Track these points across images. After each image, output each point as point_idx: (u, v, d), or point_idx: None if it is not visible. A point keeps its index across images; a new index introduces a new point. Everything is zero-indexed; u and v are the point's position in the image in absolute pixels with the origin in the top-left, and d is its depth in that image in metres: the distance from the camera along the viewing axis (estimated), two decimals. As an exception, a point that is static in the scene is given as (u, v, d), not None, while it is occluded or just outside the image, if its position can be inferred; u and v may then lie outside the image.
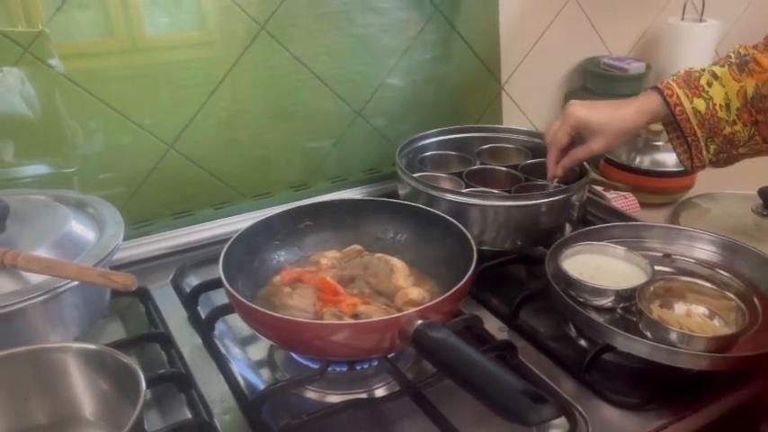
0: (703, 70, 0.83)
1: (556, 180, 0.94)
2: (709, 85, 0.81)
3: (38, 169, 0.91)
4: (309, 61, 1.04)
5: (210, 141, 1.01)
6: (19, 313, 0.64)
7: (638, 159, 1.17)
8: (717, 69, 0.82)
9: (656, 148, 1.17)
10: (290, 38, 1.00)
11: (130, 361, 0.56)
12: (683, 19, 1.39)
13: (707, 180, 1.20)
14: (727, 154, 0.84)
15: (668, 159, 1.16)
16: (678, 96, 0.82)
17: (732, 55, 0.82)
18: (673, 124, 0.85)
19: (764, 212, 1.08)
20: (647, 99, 0.85)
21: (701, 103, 0.81)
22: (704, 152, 0.84)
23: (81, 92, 0.89)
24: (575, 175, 0.96)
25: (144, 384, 0.54)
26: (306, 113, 1.07)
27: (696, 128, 0.82)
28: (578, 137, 0.90)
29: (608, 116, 0.85)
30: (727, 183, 1.19)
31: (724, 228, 1.01)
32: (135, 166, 0.97)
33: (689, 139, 0.83)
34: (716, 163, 0.86)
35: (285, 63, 1.02)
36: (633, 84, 1.27)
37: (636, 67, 1.31)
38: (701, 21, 1.38)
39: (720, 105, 0.81)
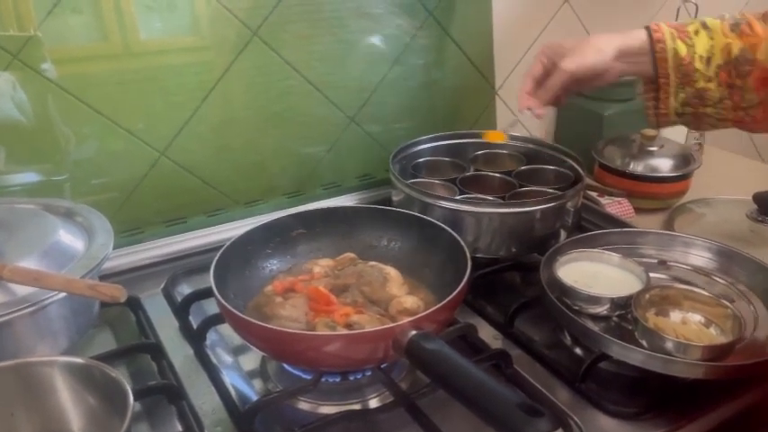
0: (695, 20, 0.80)
1: (527, 110, 0.87)
2: (696, 33, 0.78)
3: (28, 177, 0.90)
4: (302, 67, 1.03)
5: (203, 148, 1.00)
6: (5, 326, 0.63)
7: (632, 165, 1.16)
8: (708, 20, 0.79)
9: (651, 154, 1.17)
10: (282, 43, 1.00)
11: (118, 374, 0.55)
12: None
13: (702, 185, 1.20)
14: (694, 110, 0.81)
15: (663, 165, 1.16)
16: (663, 33, 0.79)
17: (726, 15, 0.79)
18: (649, 84, 0.82)
19: (759, 218, 1.08)
20: (631, 34, 0.81)
21: (682, 47, 0.78)
22: (671, 99, 0.80)
23: (72, 98, 0.88)
24: (558, 104, 0.90)
25: (132, 399, 0.53)
26: (299, 119, 1.06)
27: (671, 70, 0.78)
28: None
29: (592, 39, 0.83)
30: (722, 188, 1.19)
31: (719, 233, 1.01)
32: (126, 174, 0.96)
33: (660, 81, 0.80)
34: (681, 116, 0.82)
35: (278, 69, 1.01)
36: (627, 88, 1.26)
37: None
38: (694, 25, 1.38)
39: (701, 56, 0.77)
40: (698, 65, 0.77)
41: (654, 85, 0.82)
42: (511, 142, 1.10)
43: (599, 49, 0.81)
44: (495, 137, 1.05)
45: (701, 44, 0.78)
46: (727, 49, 0.76)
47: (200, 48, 0.96)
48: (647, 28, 0.81)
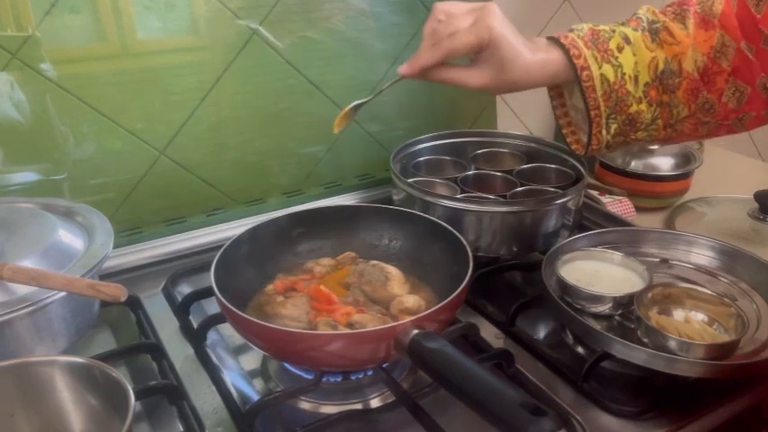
0: (613, 31, 0.69)
1: (398, 78, 0.72)
2: (620, 49, 0.67)
3: (27, 176, 0.89)
4: (302, 66, 1.03)
5: (202, 147, 0.99)
6: (5, 325, 0.63)
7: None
8: (629, 32, 0.68)
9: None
10: (281, 42, 0.99)
11: (119, 374, 0.55)
12: (676, 22, 1.39)
13: (703, 184, 1.20)
14: (625, 138, 0.71)
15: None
16: (586, 59, 0.67)
17: (643, 18, 0.69)
18: (556, 91, 0.73)
19: (761, 216, 1.07)
20: (550, 54, 0.68)
21: (609, 71, 0.66)
22: (604, 132, 0.69)
23: (71, 97, 0.87)
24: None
25: (133, 399, 0.52)
26: (298, 119, 1.06)
27: (601, 100, 0.67)
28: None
29: (517, 56, 0.66)
30: (723, 187, 1.19)
31: (720, 232, 1.01)
32: (125, 173, 0.95)
33: (592, 113, 0.68)
34: (610, 147, 0.72)
35: (277, 68, 1.01)
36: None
37: (612, 23, 1.29)
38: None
39: (630, 77, 0.67)
40: (629, 87, 0.67)
41: (565, 108, 0.73)
42: (511, 141, 1.10)
43: (527, 69, 0.67)
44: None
45: (627, 62, 0.67)
46: (653, 64, 0.68)
47: (198, 47, 0.96)
48: (561, 46, 0.68)
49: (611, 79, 0.67)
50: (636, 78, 0.68)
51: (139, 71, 0.92)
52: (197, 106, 0.96)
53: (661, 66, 0.68)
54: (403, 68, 0.70)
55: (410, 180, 0.95)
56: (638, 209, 1.14)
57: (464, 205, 0.88)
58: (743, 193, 1.12)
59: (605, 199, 1.11)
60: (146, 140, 0.95)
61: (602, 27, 0.69)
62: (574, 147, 0.75)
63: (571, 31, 0.70)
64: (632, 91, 0.68)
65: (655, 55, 0.68)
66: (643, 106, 0.69)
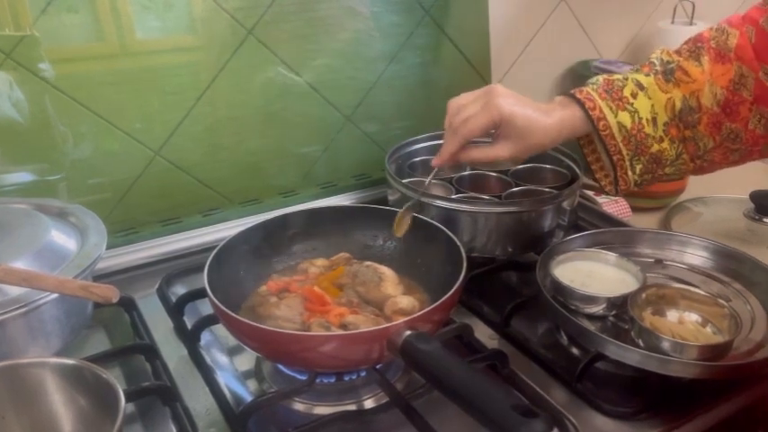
0: (626, 79, 0.74)
1: (437, 169, 0.80)
2: (634, 96, 0.72)
3: (23, 176, 0.89)
4: (298, 66, 1.02)
5: (198, 147, 0.99)
6: (-3, 327, 0.62)
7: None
8: (641, 78, 0.73)
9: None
10: (278, 42, 0.99)
11: (110, 376, 0.55)
12: (673, 22, 1.39)
13: (699, 184, 1.20)
14: (653, 174, 0.76)
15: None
16: (601, 110, 0.72)
17: (656, 62, 0.74)
18: (586, 138, 0.77)
19: (756, 217, 1.07)
20: (566, 111, 0.74)
21: (626, 117, 0.72)
22: (629, 173, 0.75)
23: (68, 98, 0.87)
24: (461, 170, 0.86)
25: (123, 401, 0.52)
26: (294, 119, 1.06)
27: (621, 145, 0.73)
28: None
29: (533, 123, 0.73)
30: (719, 187, 1.19)
31: (716, 232, 1.01)
32: (121, 173, 0.95)
33: (614, 158, 0.74)
34: (640, 185, 0.77)
35: (273, 68, 1.01)
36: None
37: (626, 71, 1.30)
38: (691, 24, 1.38)
39: (647, 120, 0.72)
40: (647, 129, 0.72)
41: (597, 152, 0.77)
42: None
43: (546, 132, 0.73)
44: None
45: (643, 107, 0.72)
46: (670, 104, 0.72)
47: (195, 47, 0.96)
48: (578, 101, 0.73)
49: (629, 125, 0.72)
50: (654, 120, 0.72)
51: (137, 71, 0.92)
52: (193, 106, 0.96)
53: (678, 104, 0.71)
54: (435, 161, 0.79)
55: (405, 180, 0.95)
56: (634, 209, 1.14)
57: (459, 206, 0.88)
58: (739, 194, 1.12)
59: (601, 199, 1.11)
60: (142, 141, 0.94)
61: (615, 77, 0.74)
62: (607, 189, 0.79)
63: (586, 85, 0.75)
64: (651, 132, 0.72)
65: (671, 95, 0.72)
66: (665, 144, 0.73)
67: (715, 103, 0.71)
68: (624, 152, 0.73)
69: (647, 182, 0.77)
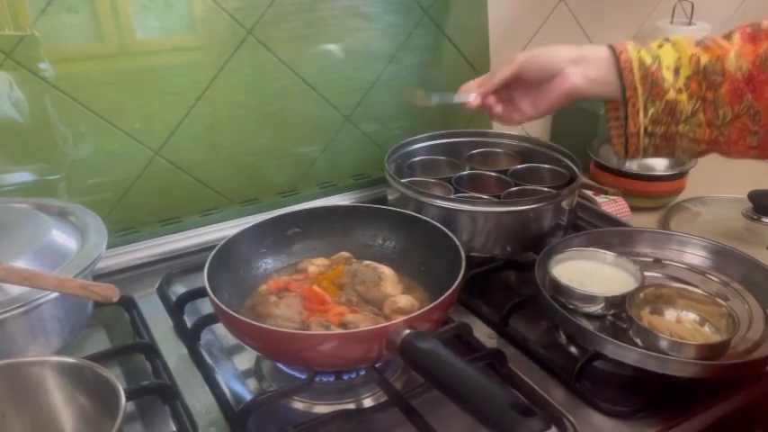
0: (658, 39, 0.76)
1: (472, 104, 0.84)
2: (660, 46, 0.74)
3: (23, 176, 0.89)
4: (297, 66, 1.03)
5: (197, 147, 0.99)
6: (-2, 326, 0.63)
7: (627, 163, 1.16)
8: (672, 36, 0.75)
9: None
10: (277, 42, 0.99)
11: (110, 374, 0.55)
12: (672, 22, 1.39)
13: (697, 184, 1.20)
14: (666, 128, 0.74)
15: (658, 163, 1.16)
16: (626, 47, 0.75)
17: (738, 15, 0.79)
18: (613, 103, 0.77)
19: (755, 216, 1.08)
20: (597, 49, 0.76)
21: (647, 56, 0.73)
22: (641, 114, 0.74)
23: (68, 97, 0.87)
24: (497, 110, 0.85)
25: (123, 399, 0.52)
26: (294, 119, 1.06)
27: (638, 82, 0.73)
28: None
29: (550, 49, 0.78)
30: (718, 186, 1.19)
31: (714, 232, 1.01)
32: (121, 173, 0.95)
33: (627, 94, 0.74)
34: (651, 136, 0.75)
35: (273, 68, 1.01)
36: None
37: None
38: (690, 24, 1.38)
39: (668, 66, 0.73)
40: (665, 74, 0.73)
41: (618, 104, 0.77)
42: (506, 141, 1.10)
43: (554, 48, 0.78)
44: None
45: (667, 55, 0.73)
46: (695, 59, 0.72)
47: (195, 47, 0.96)
48: (610, 46, 0.77)
49: (648, 62, 0.73)
50: (677, 70, 0.73)
51: (137, 71, 0.92)
52: (192, 106, 0.97)
53: (703, 61, 0.72)
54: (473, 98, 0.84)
55: (404, 180, 0.95)
56: (633, 209, 1.14)
57: (458, 205, 0.89)
58: (737, 193, 1.13)
59: (600, 199, 1.11)
60: (142, 140, 0.95)
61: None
62: (617, 148, 0.79)
63: None
64: (670, 79, 0.72)
65: (696, 53, 0.72)
66: (683, 97, 0.73)
67: (739, 71, 0.71)
68: (639, 90, 0.73)
69: (658, 137, 0.76)
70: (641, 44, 0.75)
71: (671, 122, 0.74)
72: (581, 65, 0.76)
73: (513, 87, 0.82)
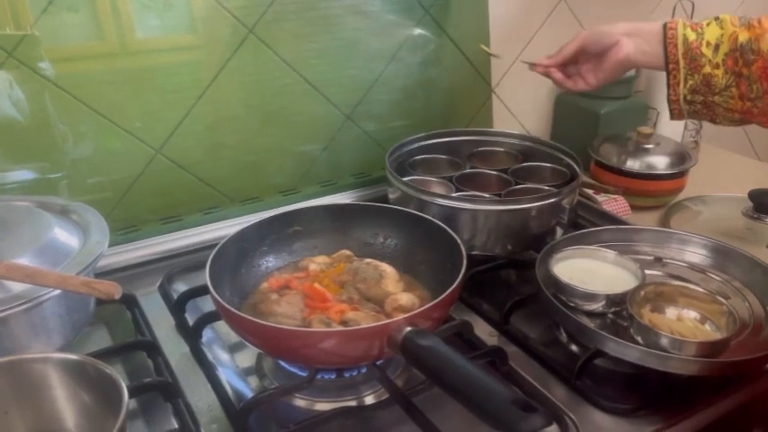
0: (710, 17, 0.84)
1: (538, 67, 0.96)
2: (708, 24, 0.82)
3: (24, 175, 0.89)
4: (298, 65, 1.03)
5: (199, 146, 1.00)
6: (0, 323, 0.62)
7: (628, 162, 1.16)
8: (722, 15, 0.83)
9: (647, 151, 1.17)
10: (278, 41, 1.00)
11: (113, 371, 0.55)
12: (672, 21, 1.39)
13: (698, 183, 1.20)
14: (704, 98, 0.83)
15: (659, 162, 1.16)
16: (676, 24, 0.83)
17: (738, 14, 0.84)
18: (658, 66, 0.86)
19: (755, 215, 1.08)
20: (651, 23, 0.85)
21: (691, 34, 0.81)
22: (681, 85, 0.83)
23: (68, 96, 0.88)
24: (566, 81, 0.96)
25: (126, 396, 0.53)
26: (295, 117, 1.06)
27: (680, 56, 0.82)
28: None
29: (608, 26, 0.88)
30: (718, 185, 1.19)
31: (714, 231, 1.01)
32: (122, 172, 0.96)
33: (670, 66, 0.83)
34: (691, 104, 0.85)
35: (274, 67, 1.01)
36: (624, 86, 1.26)
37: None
38: (690, 23, 1.38)
39: (708, 42, 0.81)
40: (705, 50, 0.81)
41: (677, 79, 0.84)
42: (507, 140, 1.10)
43: (610, 24, 0.87)
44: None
45: (711, 33, 0.81)
46: (734, 37, 0.79)
47: (195, 46, 0.96)
48: (664, 24, 0.85)
49: (690, 40, 0.81)
50: (717, 47, 0.81)
51: (137, 70, 0.92)
52: (193, 105, 0.97)
53: (741, 39, 0.79)
54: (542, 62, 0.96)
55: (406, 179, 0.95)
56: (634, 207, 1.14)
57: (459, 204, 0.89)
58: (738, 192, 1.13)
59: (600, 197, 1.11)
60: (143, 139, 0.95)
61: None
62: (672, 107, 0.87)
63: None
64: (708, 54, 0.81)
65: (736, 31, 0.80)
66: (719, 72, 0.81)
67: None
68: (681, 63, 0.82)
69: (698, 104, 0.84)
70: (694, 22, 0.83)
71: (708, 93, 0.82)
72: (634, 37, 0.86)
73: (579, 61, 0.93)
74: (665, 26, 0.83)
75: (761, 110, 0.81)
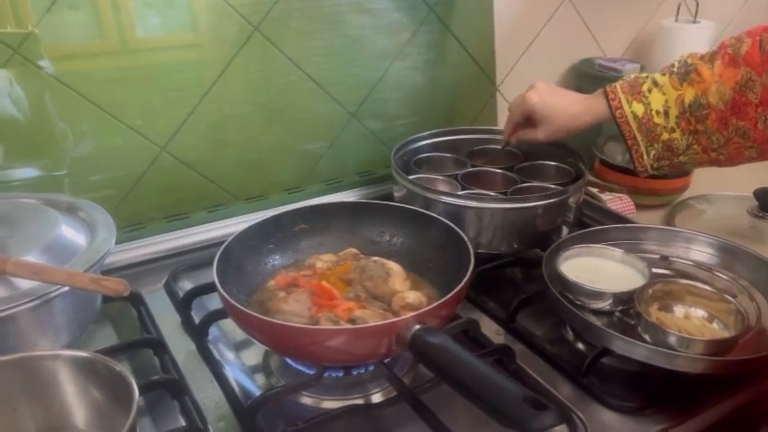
0: (647, 77, 0.85)
1: (507, 146, 1.03)
2: (650, 91, 0.83)
3: (28, 172, 0.89)
4: (303, 62, 1.03)
5: (203, 143, 1.00)
6: (8, 320, 0.63)
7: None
8: (658, 77, 0.84)
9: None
10: (283, 39, 1.00)
11: (123, 368, 0.55)
12: (676, 20, 1.39)
13: (702, 182, 1.20)
14: (669, 161, 0.85)
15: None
16: (620, 101, 0.84)
17: (676, 64, 0.85)
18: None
19: (760, 214, 1.08)
20: (595, 101, 0.88)
21: (639, 108, 0.83)
22: (645, 157, 0.85)
23: (71, 93, 0.88)
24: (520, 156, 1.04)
25: (137, 392, 0.53)
26: (299, 115, 1.06)
27: (636, 132, 0.84)
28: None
29: (558, 111, 0.90)
30: (723, 184, 1.19)
31: (719, 229, 1.01)
32: (127, 169, 0.95)
33: (629, 142, 0.85)
34: (658, 169, 0.87)
35: (278, 64, 1.01)
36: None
37: (630, 69, 1.30)
38: (694, 22, 1.38)
39: (657, 111, 0.83)
40: (657, 120, 0.83)
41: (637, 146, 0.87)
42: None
43: (570, 118, 0.90)
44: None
45: (656, 101, 0.83)
46: (680, 100, 0.81)
47: (199, 44, 0.96)
48: (605, 93, 0.87)
49: (640, 114, 0.83)
50: (666, 113, 0.83)
51: (139, 68, 0.92)
52: (198, 103, 0.96)
53: (688, 100, 0.81)
54: (505, 138, 1.02)
55: (411, 177, 0.95)
56: (638, 206, 1.14)
57: (465, 202, 0.89)
58: (742, 191, 1.13)
59: (605, 196, 1.11)
60: (146, 137, 0.95)
61: (641, 75, 0.86)
62: (641, 173, 0.89)
63: (622, 81, 0.87)
64: (661, 123, 0.83)
65: (681, 93, 0.82)
66: (676, 135, 0.83)
67: (721, 101, 0.79)
68: (638, 138, 0.84)
69: (667, 167, 0.87)
70: (634, 87, 0.84)
71: (672, 156, 0.85)
72: (588, 115, 0.89)
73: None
74: (609, 105, 0.85)
75: (727, 156, 0.82)
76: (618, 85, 0.86)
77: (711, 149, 0.82)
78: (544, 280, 0.78)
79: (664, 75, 0.84)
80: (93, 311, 0.76)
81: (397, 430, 0.68)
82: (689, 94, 0.81)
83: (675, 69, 0.84)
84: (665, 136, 0.83)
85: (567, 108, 0.90)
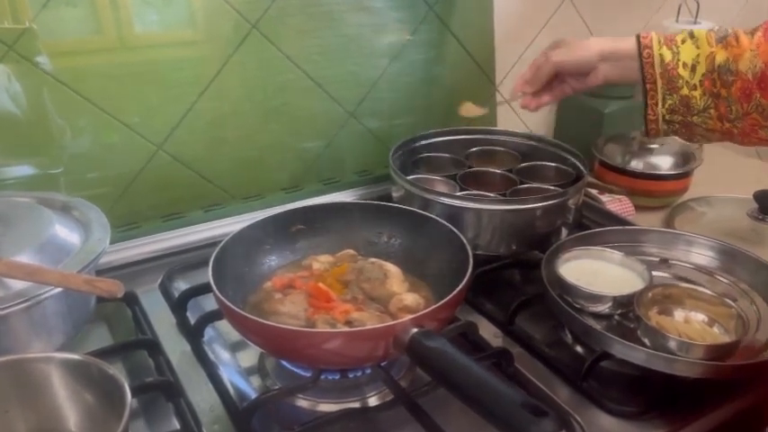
0: (683, 31, 0.82)
1: (520, 94, 0.93)
2: (683, 41, 0.80)
3: (22, 170, 0.88)
4: (301, 61, 1.02)
5: (200, 142, 0.99)
6: (0, 321, 0.62)
7: (632, 162, 1.16)
8: (696, 31, 0.81)
9: (651, 151, 1.16)
10: (281, 37, 0.99)
11: (115, 371, 0.54)
12: (677, 21, 1.38)
13: (702, 183, 1.20)
14: (683, 118, 0.81)
15: (663, 162, 1.16)
16: (651, 39, 0.81)
17: (715, 27, 0.81)
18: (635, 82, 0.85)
19: (760, 216, 1.07)
20: (622, 38, 0.84)
21: (667, 53, 0.79)
22: (659, 105, 0.81)
23: (68, 90, 0.87)
24: (550, 100, 0.93)
25: (129, 396, 0.52)
26: (297, 114, 1.05)
27: (658, 77, 0.80)
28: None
29: (582, 40, 0.86)
30: (723, 186, 1.19)
31: (719, 232, 1.00)
32: (123, 167, 0.95)
33: (647, 86, 0.81)
34: (669, 123, 0.83)
35: (276, 62, 1.00)
36: (628, 86, 1.26)
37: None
38: (695, 23, 1.37)
39: (685, 63, 0.79)
40: (681, 71, 0.79)
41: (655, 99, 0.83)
42: (511, 139, 1.10)
43: (586, 47, 0.85)
44: (470, 110, 1.01)
45: (686, 52, 0.79)
46: (711, 58, 0.77)
47: (197, 41, 0.95)
48: (638, 36, 0.82)
49: (666, 60, 0.79)
50: (693, 68, 0.79)
51: (137, 65, 0.91)
52: (195, 101, 0.96)
53: (718, 60, 0.77)
54: (516, 89, 0.94)
55: (410, 177, 0.94)
56: (638, 208, 1.13)
57: (463, 203, 0.88)
58: (742, 193, 1.12)
59: (605, 198, 1.10)
60: (143, 134, 0.94)
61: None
62: (650, 126, 0.85)
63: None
64: (685, 76, 0.79)
65: (713, 51, 0.77)
66: (696, 93, 0.79)
67: (751, 71, 0.75)
68: (659, 82, 0.80)
69: (676, 124, 0.82)
70: (667, 35, 0.80)
71: (686, 113, 0.81)
72: (611, 61, 0.84)
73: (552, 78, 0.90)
74: (639, 44, 0.81)
75: (741, 130, 0.79)
76: (654, 32, 0.83)
77: (727, 119, 0.78)
78: (543, 282, 0.78)
79: (702, 30, 0.80)
80: (87, 312, 0.75)
81: (393, 434, 0.67)
82: (721, 55, 0.76)
83: (716, 30, 0.80)
84: (685, 91, 0.79)
85: (593, 38, 0.86)
